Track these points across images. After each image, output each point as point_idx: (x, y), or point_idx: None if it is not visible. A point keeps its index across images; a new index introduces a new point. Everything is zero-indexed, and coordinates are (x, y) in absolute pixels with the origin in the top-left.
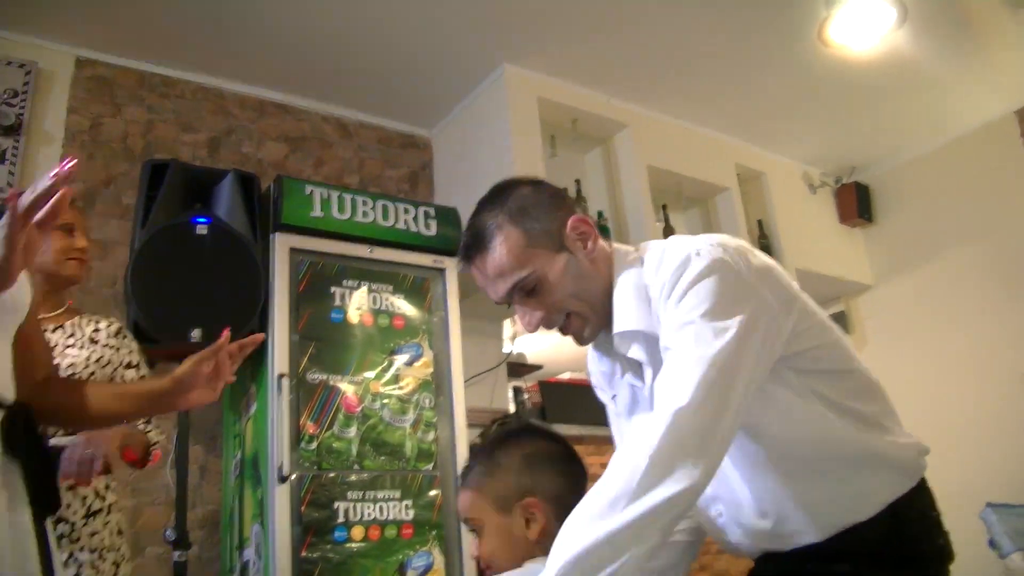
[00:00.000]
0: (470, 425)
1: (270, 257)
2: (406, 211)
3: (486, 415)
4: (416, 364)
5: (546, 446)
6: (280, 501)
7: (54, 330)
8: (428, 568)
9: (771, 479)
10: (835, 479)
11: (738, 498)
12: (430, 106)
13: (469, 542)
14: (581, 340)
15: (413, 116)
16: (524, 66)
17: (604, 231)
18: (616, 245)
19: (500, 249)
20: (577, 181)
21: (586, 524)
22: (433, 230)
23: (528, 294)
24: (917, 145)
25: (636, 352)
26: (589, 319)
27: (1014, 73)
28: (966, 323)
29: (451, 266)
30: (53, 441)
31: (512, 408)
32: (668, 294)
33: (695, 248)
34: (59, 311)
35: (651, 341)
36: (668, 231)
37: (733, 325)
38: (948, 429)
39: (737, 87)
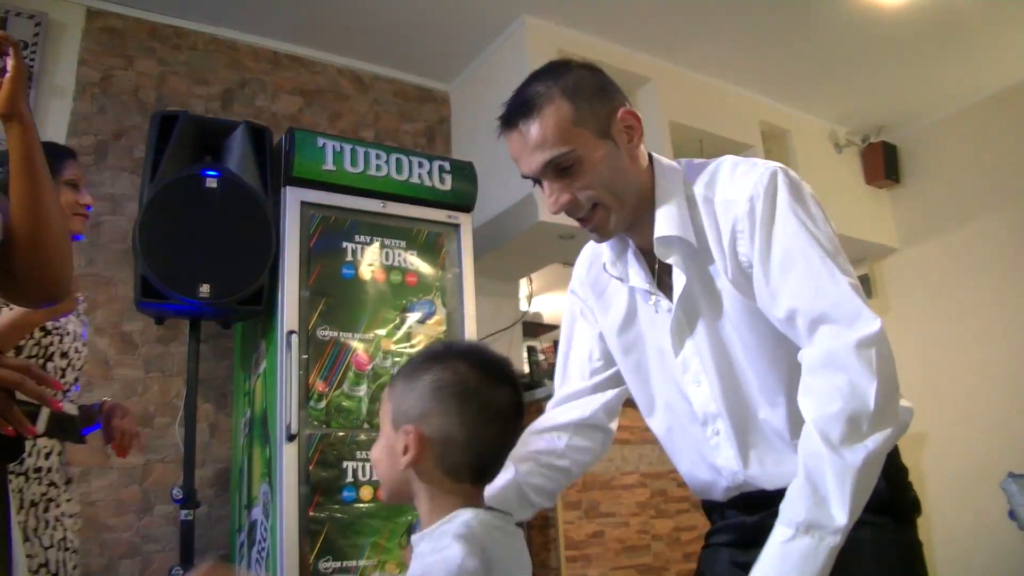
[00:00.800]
0: None
1: (281, 211)
2: (420, 165)
3: None
4: (429, 322)
5: (465, 379)
6: (288, 460)
7: None
8: None
9: (789, 400)
10: None
11: (749, 404)
12: (448, 59)
13: None
14: (603, 233)
15: (430, 69)
16: (544, 18)
17: None
18: (655, 155)
19: (547, 120)
20: None
21: None
22: (448, 185)
23: (561, 173)
24: (948, 104)
25: (675, 260)
26: (615, 214)
27: None
28: (993, 291)
29: (466, 222)
30: (67, 406)
31: (527, 369)
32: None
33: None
34: None
35: (690, 250)
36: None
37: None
38: (970, 398)
39: (763, 41)
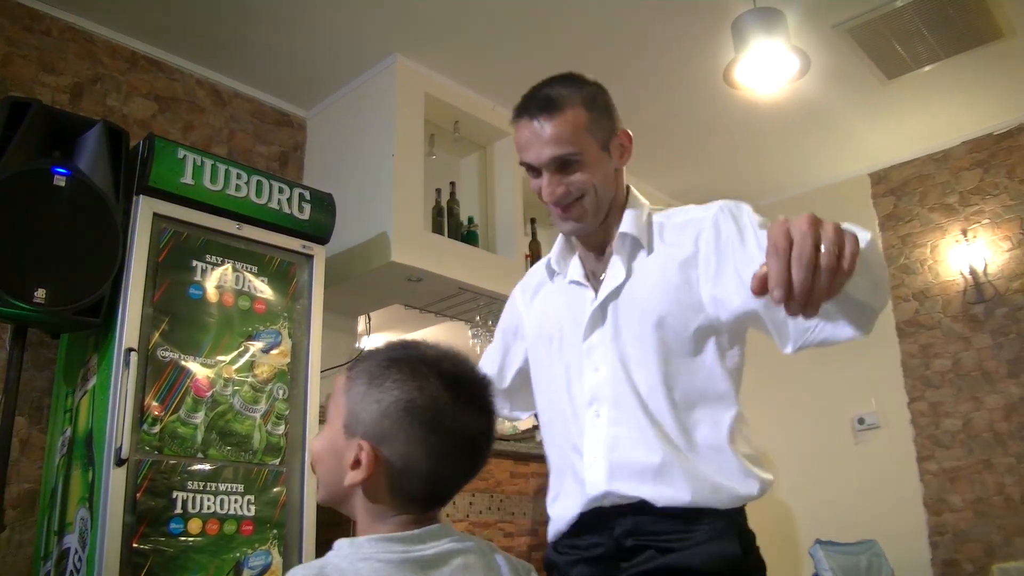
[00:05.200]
0: (320, 421)
1: (131, 220)
2: (281, 191)
3: None
4: (273, 352)
5: (438, 402)
6: (115, 485)
7: None
8: (265, 568)
9: (679, 416)
10: (721, 454)
11: (636, 395)
12: (312, 85)
13: (308, 545)
14: (577, 223)
15: (292, 93)
16: (417, 59)
17: (473, 236)
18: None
19: (567, 121)
20: (452, 184)
21: None
22: (306, 214)
23: (562, 168)
24: (774, 192)
25: (621, 256)
26: (592, 213)
27: (872, 139)
28: (800, 372)
29: (320, 254)
30: None
31: None
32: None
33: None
34: None
35: (636, 253)
36: (534, 245)
37: None
38: (783, 469)
39: (625, 117)
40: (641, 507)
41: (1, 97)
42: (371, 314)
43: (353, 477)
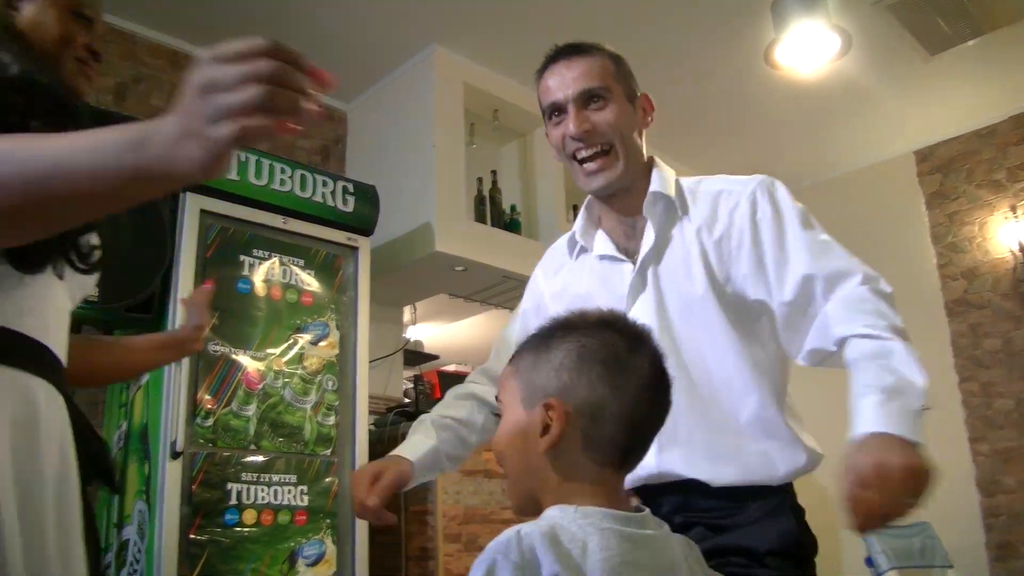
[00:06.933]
0: (369, 412)
1: (179, 217)
2: (324, 184)
3: (381, 402)
4: (321, 344)
5: (608, 343)
6: (171, 478)
7: None
8: (319, 558)
9: (729, 388)
10: (773, 426)
11: (685, 388)
12: (351, 78)
13: (361, 534)
14: (606, 176)
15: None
16: (455, 50)
17: (516, 224)
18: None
19: (595, 61)
20: (493, 172)
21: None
22: (350, 206)
23: (590, 102)
24: (818, 173)
25: (653, 218)
26: (620, 163)
27: (916, 117)
28: None
29: (364, 246)
30: None
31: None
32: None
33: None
34: None
35: (669, 214)
36: None
37: None
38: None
39: (667, 98)
40: (692, 485)
41: None
42: (416, 304)
43: (546, 441)
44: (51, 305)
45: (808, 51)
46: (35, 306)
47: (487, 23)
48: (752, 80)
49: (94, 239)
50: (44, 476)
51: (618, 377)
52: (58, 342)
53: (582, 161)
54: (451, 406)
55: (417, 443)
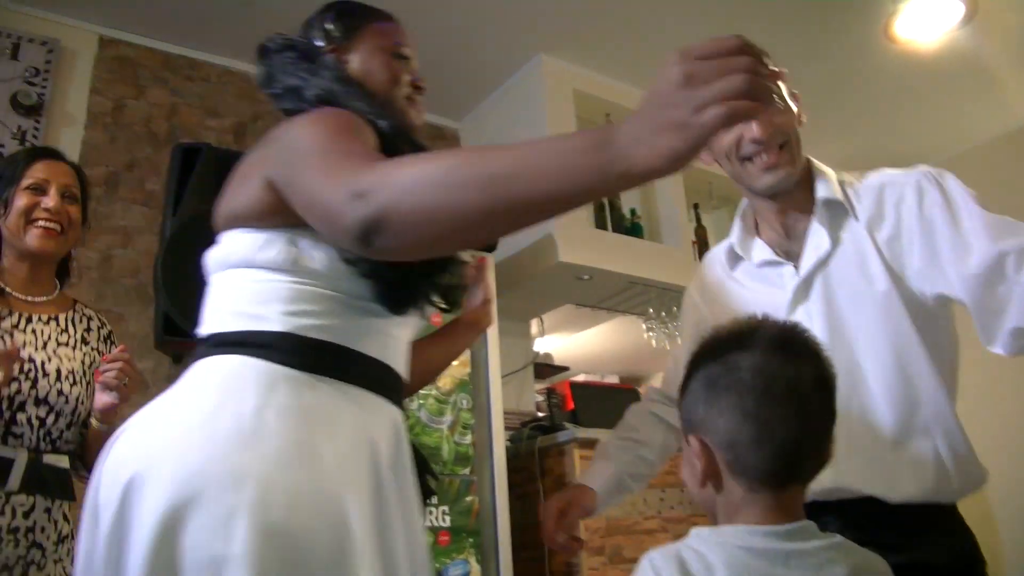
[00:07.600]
0: (505, 428)
1: None
2: None
3: (515, 418)
4: (453, 362)
5: (738, 364)
6: None
7: (47, 321)
8: None
9: (907, 397)
10: (952, 438)
11: (861, 397)
12: (460, 96)
13: (504, 552)
14: (785, 170)
15: (442, 106)
16: (561, 57)
17: (637, 229)
18: None
19: None
20: None
21: None
22: None
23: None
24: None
25: (824, 224)
26: (795, 159)
27: None
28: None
29: (489, 261)
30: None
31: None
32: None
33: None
34: (50, 296)
35: (841, 214)
36: (700, 231)
37: None
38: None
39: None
40: (865, 501)
41: (173, 145)
42: (544, 316)
43: (700, 473)
44: (405, 340)
45: (929, 20)
46: (397, 343)
47: (592, 29)
48: (871, 57)
49: (456, 277)
50: (411, 498)
51: (747, 400)
52: (404, 371)
53: (751, 157)
54: (628, 427)
55: (599, 470)
